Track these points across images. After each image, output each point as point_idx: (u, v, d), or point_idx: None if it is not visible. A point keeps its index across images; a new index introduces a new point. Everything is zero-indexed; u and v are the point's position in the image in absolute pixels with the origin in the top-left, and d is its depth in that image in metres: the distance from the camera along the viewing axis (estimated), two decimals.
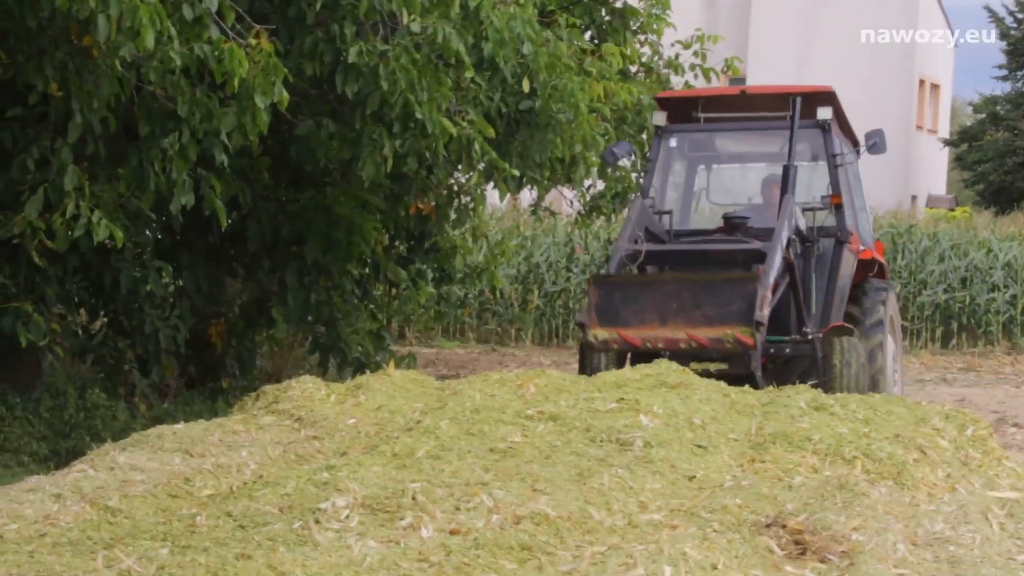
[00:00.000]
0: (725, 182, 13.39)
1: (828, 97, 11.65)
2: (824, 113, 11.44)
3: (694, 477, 6.46)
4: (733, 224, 11.32)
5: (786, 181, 10.91)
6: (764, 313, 9.60)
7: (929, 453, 6.88)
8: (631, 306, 9.91)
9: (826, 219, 11.42)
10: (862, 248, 12.07)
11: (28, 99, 8.90)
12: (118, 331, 11.63)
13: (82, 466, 6.73)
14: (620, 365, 9.18)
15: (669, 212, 11.71)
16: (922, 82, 43.28)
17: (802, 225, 11.07)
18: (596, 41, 14.55)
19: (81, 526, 5.63)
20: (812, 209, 11.40)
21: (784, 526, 5.60)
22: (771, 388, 8.48)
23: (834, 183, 11.42)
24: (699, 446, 6.89)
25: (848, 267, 11.67)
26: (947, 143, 45.57)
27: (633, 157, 12.41)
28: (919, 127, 43.55)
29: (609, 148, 12.01)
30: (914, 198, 41.53)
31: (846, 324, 11.12)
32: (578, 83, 11.56)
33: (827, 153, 11.46)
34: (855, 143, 12.26)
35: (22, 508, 5.77)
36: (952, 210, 33.61)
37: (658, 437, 6.82)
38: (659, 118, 11.87)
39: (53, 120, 9.03)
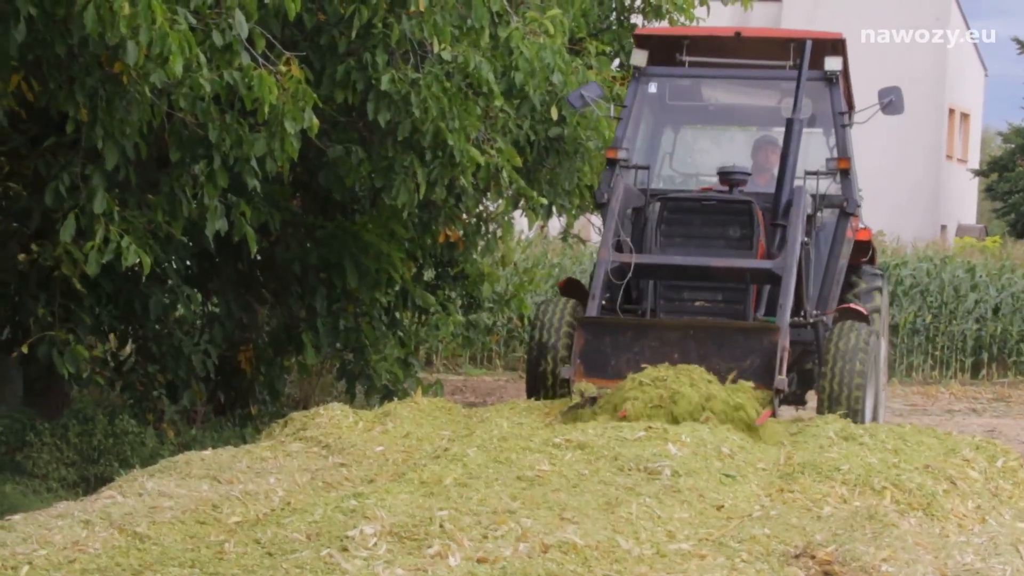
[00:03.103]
0: (707, 140, 12.05)
1: (838, 46, 10.15)
2: (833, 64, 10.03)
3: (722, 507, 6.44)
4: (731, 181, 9.84)
5: (789, 137, 9.33)
6: (783, 377, 8.36)
7: (959, 484, 6.85)
8: (623, 355, 8.61)
9: (828, 187, 10.09)
10: (861, 226, 10.76)
11: (66, 127, 8.94)
12: (147, 357, 11.66)
13: (110, 492, 6.75)
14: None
15: (646, 168, 10.34)
16: (952, 111, 43.15)
17: (809, 208, 9.73)
18: (624, 67, 14.55)
19: (110, 552, 5.64)
20: (815, 174, 10.01)
21: (813, 557, 5.58)
22: (799, 417, 8.44)
23: (841, 145, 10.08)
24: (727, 475, 6.87)
25: (849, 243, 10.37)
26: (977, 173, 45.39)
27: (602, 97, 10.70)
28: (949, 157, 43.39)
29: (577, 90, 10.42)
30: (944, 228, 41.35)
31: (857, 307, 9.89)
32: (606, 110, 11.55)
33: (833, 110, 10.08)
34: (852, 108, 10.52)
35: (51, 534, 5.78)
36: (982, 240, 33.44)
37: (686, 466, 6.80)
38: (638, 58, 10.41)
39: (84, 146, 9.08)
